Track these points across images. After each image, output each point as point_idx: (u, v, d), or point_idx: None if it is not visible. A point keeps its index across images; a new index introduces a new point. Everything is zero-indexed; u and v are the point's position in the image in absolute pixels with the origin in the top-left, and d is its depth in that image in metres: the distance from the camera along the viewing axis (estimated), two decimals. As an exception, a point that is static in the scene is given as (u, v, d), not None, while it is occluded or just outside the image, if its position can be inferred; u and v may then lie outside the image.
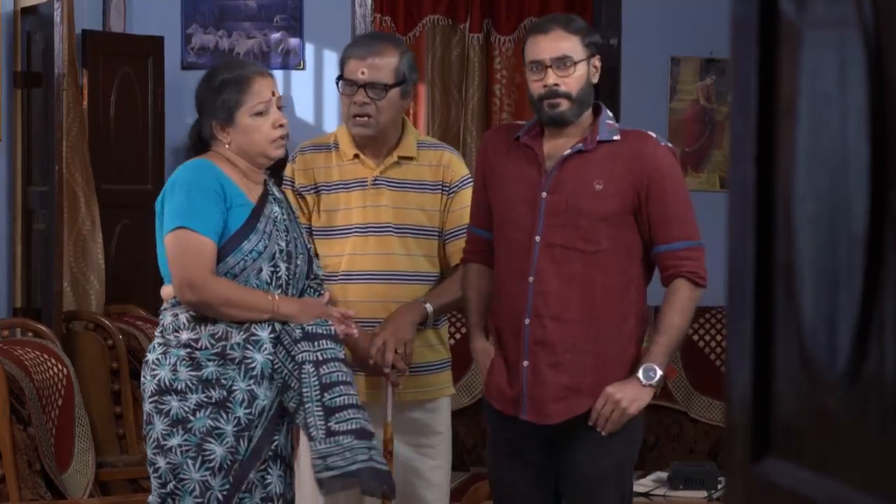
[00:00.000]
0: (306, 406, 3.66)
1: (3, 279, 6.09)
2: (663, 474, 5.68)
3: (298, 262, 3.85)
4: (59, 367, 5.30)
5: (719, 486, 5.43)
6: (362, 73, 4.14)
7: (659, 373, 3.76)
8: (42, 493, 4.99)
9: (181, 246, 3.71)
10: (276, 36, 7.36)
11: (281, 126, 3.81)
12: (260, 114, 3.80)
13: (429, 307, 4.16)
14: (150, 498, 3.76)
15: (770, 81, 1.33)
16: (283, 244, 3.81)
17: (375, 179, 4.21)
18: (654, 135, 3.85)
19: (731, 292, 1.39)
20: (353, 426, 3.66)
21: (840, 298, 1.21)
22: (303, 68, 7.36)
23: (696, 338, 6.62)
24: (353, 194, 4.22)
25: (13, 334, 5.74)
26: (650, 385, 3.76)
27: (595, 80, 3.89)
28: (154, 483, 3.73)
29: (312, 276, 3.93)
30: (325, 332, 3.76)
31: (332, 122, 7.39)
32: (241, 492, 3.69)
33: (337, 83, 4.21)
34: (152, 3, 7.31)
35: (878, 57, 1.17)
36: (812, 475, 1.26)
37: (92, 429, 5.48)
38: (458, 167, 4.29)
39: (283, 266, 3.80)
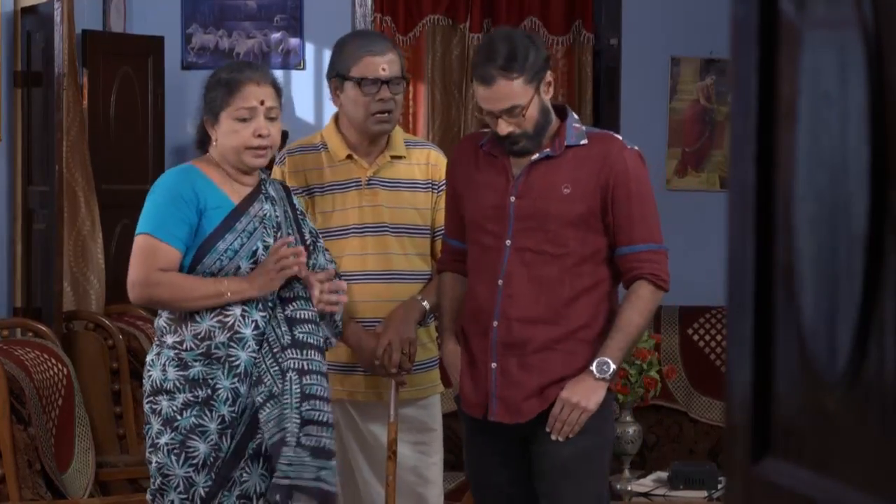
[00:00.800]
0: (285, 410, 3.67)
1: (3, 279, 6.09)
2: (663, 474, 5.68)
3: None
4: (59, 367, 5.30)
5: (719, 487, 5.43)
6: (383, 69, 4.13)
7: (613, 367, 3.78)
8: (42, 493, 4.99)
9: (137, 250, 3.80)
10: (276, 36, 7.36)
11: (261, 136, 3.80)
12: (243, 120, 3.80)
13: (426, 304, 4.18)
14: (147, 495, 3.85)
15: (770, 81, 1.33)
16: (269, 241, 3.82)
17: (370, 180, 4.21)
18: (620, 138, 3.88)
19: (731, 292, 1.39)
20: (314, 443, 3.69)
21: (840, 298, 1.21)
22: (303, 68, 7.36)
23: (696, 338, 6.62)
24: (347, 195, 4.22)
25: (13, 334, 5.74)
26: (604, 379, 3.77)
27: (549, 95, 3.85)
28: (151, 480, 3.82)
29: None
30: (314, 342, 3.77)
31: (332, 122, 7.38)
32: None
33: (358, 82, 4.15)
34: (152, 3, 7.31)
35: (878, 57, 1.17)
36: (812, 475, 1.26)
37: (92, 429, 5.48)
38: (444, 165, 4.31)
39: None
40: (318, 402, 3.72)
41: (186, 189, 3.79)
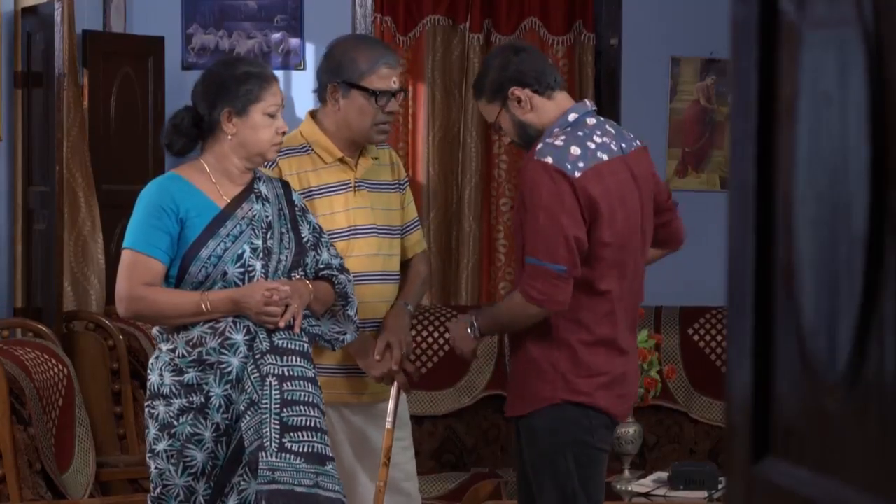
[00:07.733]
0: (264, 416, 3.66)
1: (3, 279, 6.09)
2: (663, 475, 5.67)
3: (281, 258, 3.84)
4: (60, 367, 5.31)
5: (720, 487, 5.43)
6: (394, 81, 4.14)
7: (476, 327, 3.98)
8: (42, 493, 4.99)
9: (122, 264, 3.82)
10: (276, 36, 7.36)
11: (282, 133, 3.86)
12: (271, 116, 3.83)
13: (410, 309, 4.24)
14: (148, 497, 3.86)
15: (770, 81, 1.33)
16: (258, 242, 3.81)
17: (357, 182, 4.19)
18: (541, 145, 3.85)
19: (731, 292, 1.39)
20: (305, 449, 3.68)
21: (840, 298, 1.21)
22: (303, 68, 7.36)
23: (696, 338, 6.62)
24: (336, 198, 4.18)
25: (13, 334, 5.74)
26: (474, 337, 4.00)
27: (527, 109, 3.93)
28: (151, 486, 3.82)
29: (323, 268, 3.91)
30: (296, 348, 3.76)
31: (332, 123, 7.37)
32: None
33: (372, 94, 4.08)
34: (152, 3, 7.31)
35: (878, 57, 1.17)
36: (812, 475, 1.26)
37: (92, 429, 5.48)
38: (401, 163, 4.40)
39: (257, 264, 3.79)
40: (302, 407, 3.71)
41: (166, 199, 3.78)
